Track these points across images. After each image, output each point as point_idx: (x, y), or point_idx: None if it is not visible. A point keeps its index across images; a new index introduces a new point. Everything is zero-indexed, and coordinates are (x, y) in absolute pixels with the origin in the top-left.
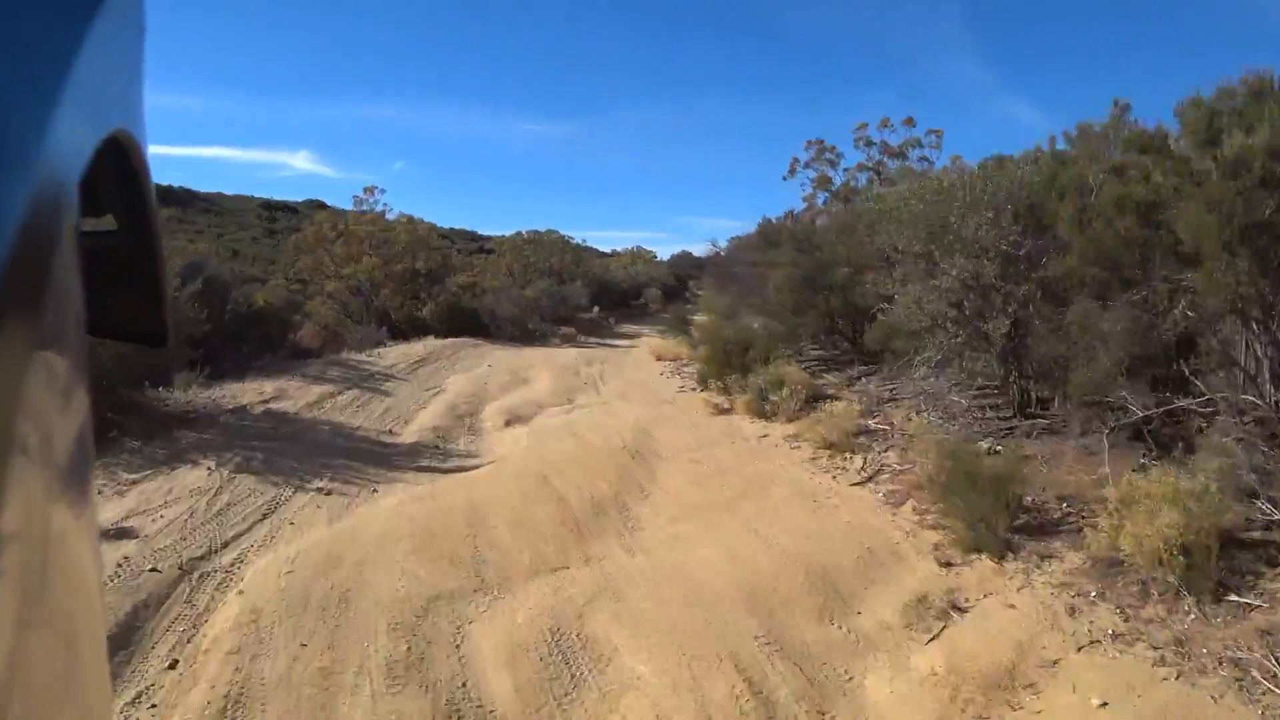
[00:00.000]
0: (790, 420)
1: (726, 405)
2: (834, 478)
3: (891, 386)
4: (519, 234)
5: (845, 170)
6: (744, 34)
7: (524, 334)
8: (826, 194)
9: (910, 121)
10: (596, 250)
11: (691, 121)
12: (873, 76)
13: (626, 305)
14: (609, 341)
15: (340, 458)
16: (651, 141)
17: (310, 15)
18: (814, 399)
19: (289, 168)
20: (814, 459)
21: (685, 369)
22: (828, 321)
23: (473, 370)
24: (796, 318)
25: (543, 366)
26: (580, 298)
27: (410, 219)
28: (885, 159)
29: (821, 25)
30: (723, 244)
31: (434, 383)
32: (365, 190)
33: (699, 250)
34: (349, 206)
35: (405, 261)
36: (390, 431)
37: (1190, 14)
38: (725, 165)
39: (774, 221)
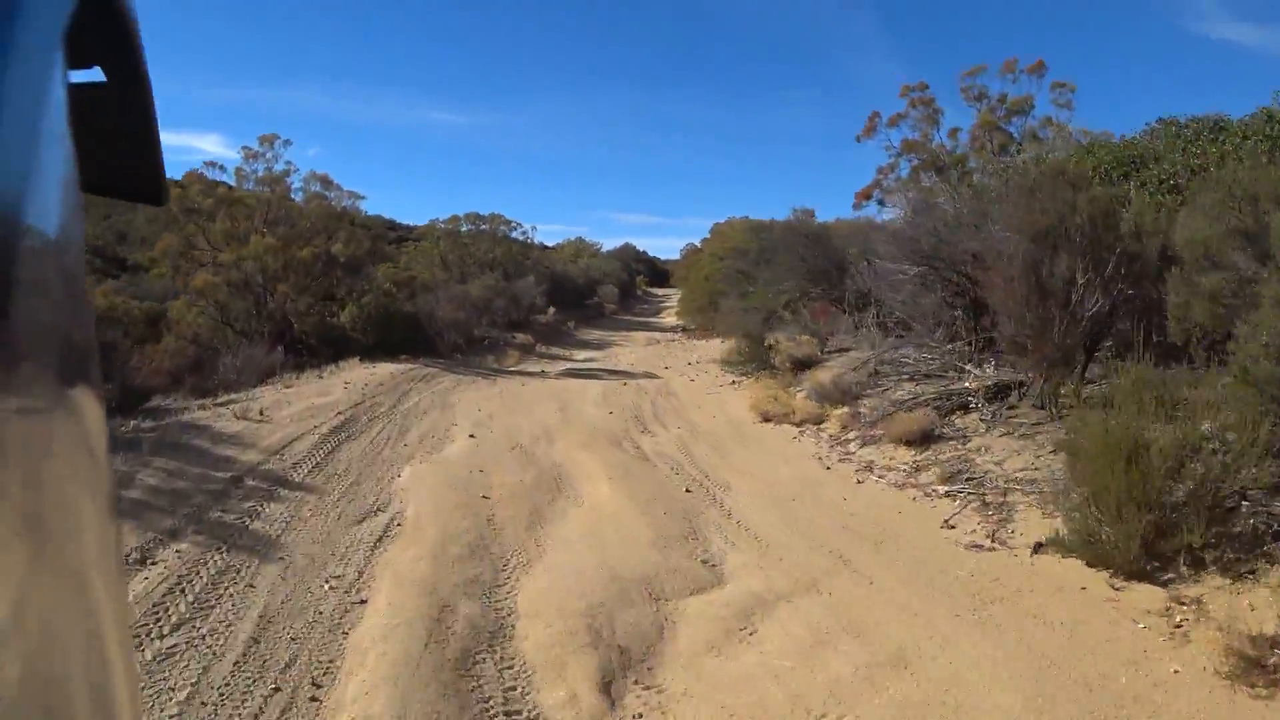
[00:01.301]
0: None
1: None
2: None
3: None
4: (455, 218)
5: (941, 130)
6: (663, 27)
7: (469, 343)
8: (913, 160)
9: (1040, 67)
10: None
11: (611, 116)
12: (795, 74)
13: (581, 305)
14: (593, 361)
15: None
16: (569, 135)
17: None
18: None
19: (198, 151)
20: None
21: (851, 448)
22: None
23: (444, 447)
24: None
25: (570, 437)
26: (533, 296)
27: (326, 180)
28: (998, 117)
29: (744, 23)
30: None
31: (372, 499)
32: (261, 140)
33: (643, 244)
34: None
35: (316, 243)
36: None
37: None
38: (647, 161)
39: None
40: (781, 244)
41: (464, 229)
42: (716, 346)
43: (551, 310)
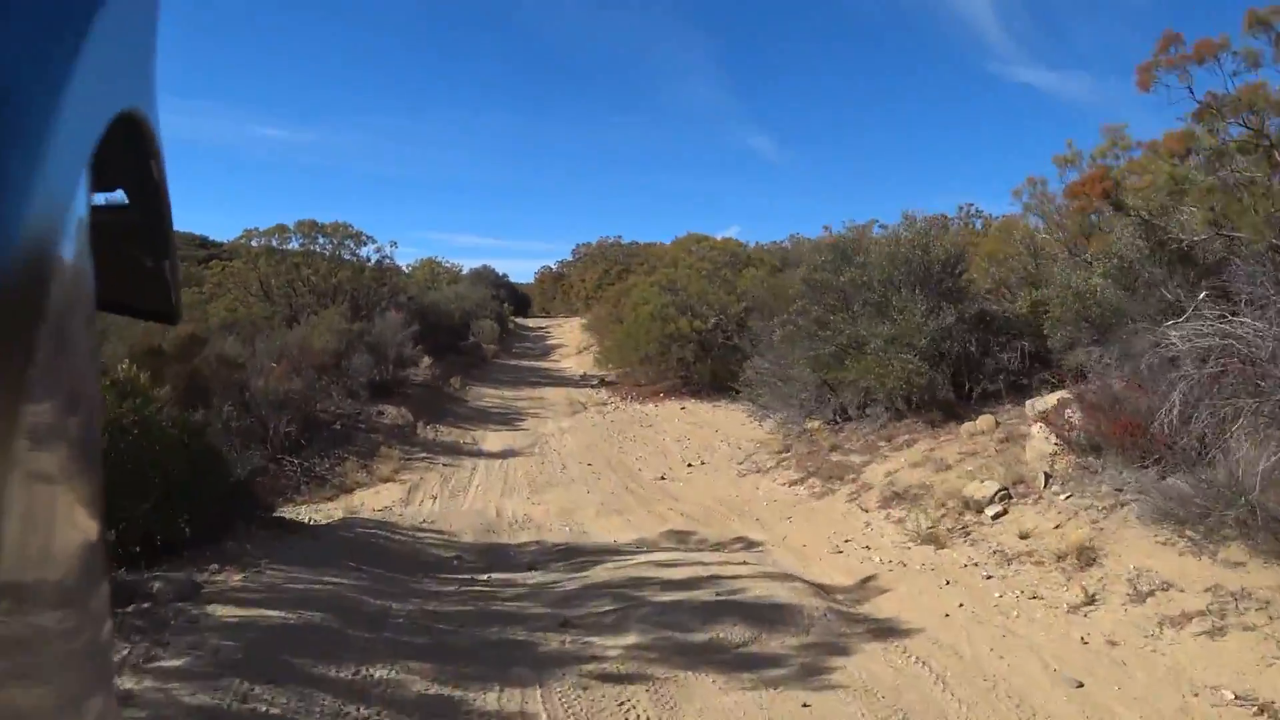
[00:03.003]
0: None
1: None
2: None
3: None
4: (281, 227)
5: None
6: (489, 47)
7: (311, 437)
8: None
9: None
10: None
11: (441, 136)
12: (624, 97)
13: (456, 348)
14: (510, 454)
15: None
16: (398, 154)
17: None
18: None
19: None
20: None
21: None
22: None
23: None
24: None
25: None
26: (401, 341)
27: None
28: None
29: (571, 48)
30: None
31: None
32: None
33: (503, 266)
34: None
35: None
36: None
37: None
38: (478, 181)
39: None
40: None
41: (294, 244)
42: (681, 414)
43: (428, 361)
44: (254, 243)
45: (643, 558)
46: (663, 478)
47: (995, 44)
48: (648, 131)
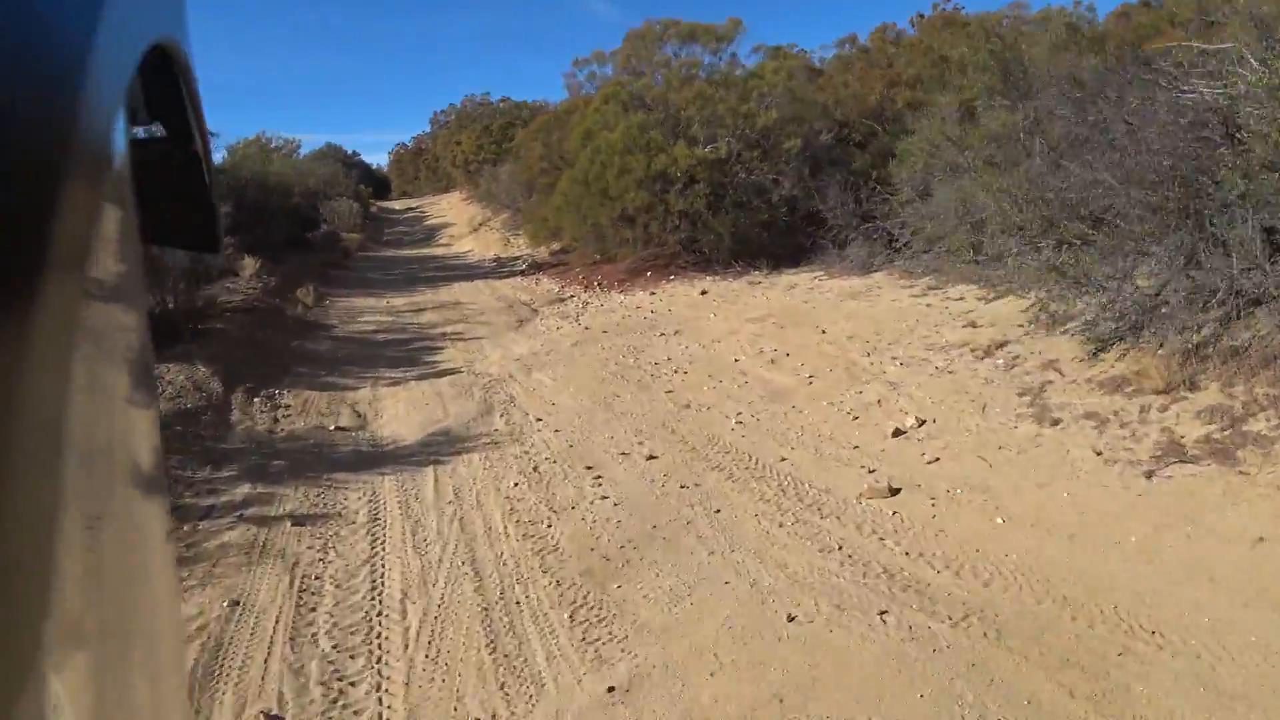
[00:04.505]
0: None
1: None
2: None
3: None
4: None
5: None
6: None
7: None
8: None
9: None
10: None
11: (255, 33)
12: None
13: (303, 244)
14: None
15: None
16: (214, 58)
17: None
18: None
19: None
20: None
21: None
22: None
23: None
24: None
25: None
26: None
27: None
28: None
29: None
30: None
31: None
32: None
33: (355, 145)
34: None
35: None
36: None
37: None
38: (296, 73)
39: None
40: None
41: None
42: (711, 305)
43: (250, 263)
44: None
45: None
46: (894, 511)
47: None
48: (478, 6)
